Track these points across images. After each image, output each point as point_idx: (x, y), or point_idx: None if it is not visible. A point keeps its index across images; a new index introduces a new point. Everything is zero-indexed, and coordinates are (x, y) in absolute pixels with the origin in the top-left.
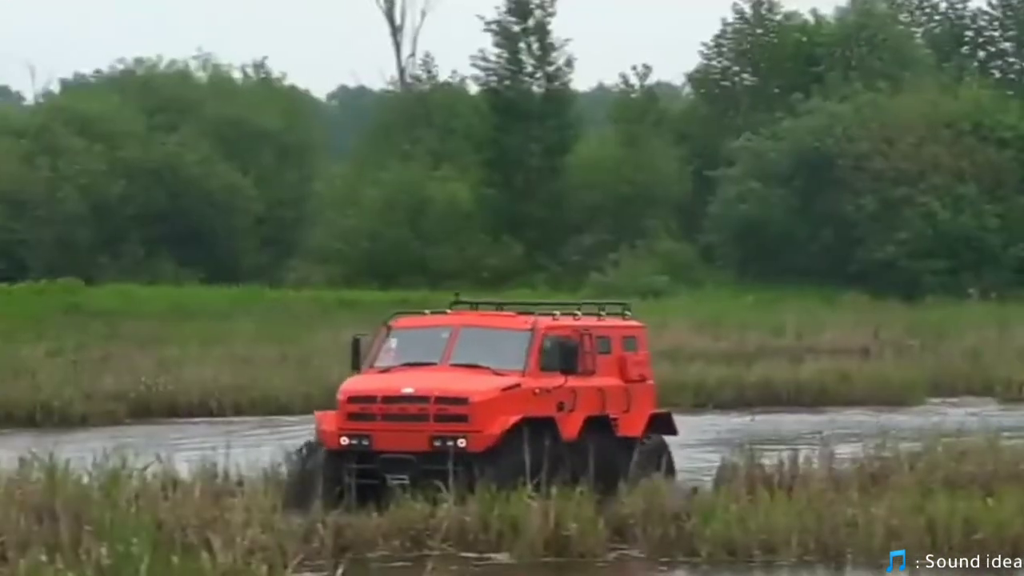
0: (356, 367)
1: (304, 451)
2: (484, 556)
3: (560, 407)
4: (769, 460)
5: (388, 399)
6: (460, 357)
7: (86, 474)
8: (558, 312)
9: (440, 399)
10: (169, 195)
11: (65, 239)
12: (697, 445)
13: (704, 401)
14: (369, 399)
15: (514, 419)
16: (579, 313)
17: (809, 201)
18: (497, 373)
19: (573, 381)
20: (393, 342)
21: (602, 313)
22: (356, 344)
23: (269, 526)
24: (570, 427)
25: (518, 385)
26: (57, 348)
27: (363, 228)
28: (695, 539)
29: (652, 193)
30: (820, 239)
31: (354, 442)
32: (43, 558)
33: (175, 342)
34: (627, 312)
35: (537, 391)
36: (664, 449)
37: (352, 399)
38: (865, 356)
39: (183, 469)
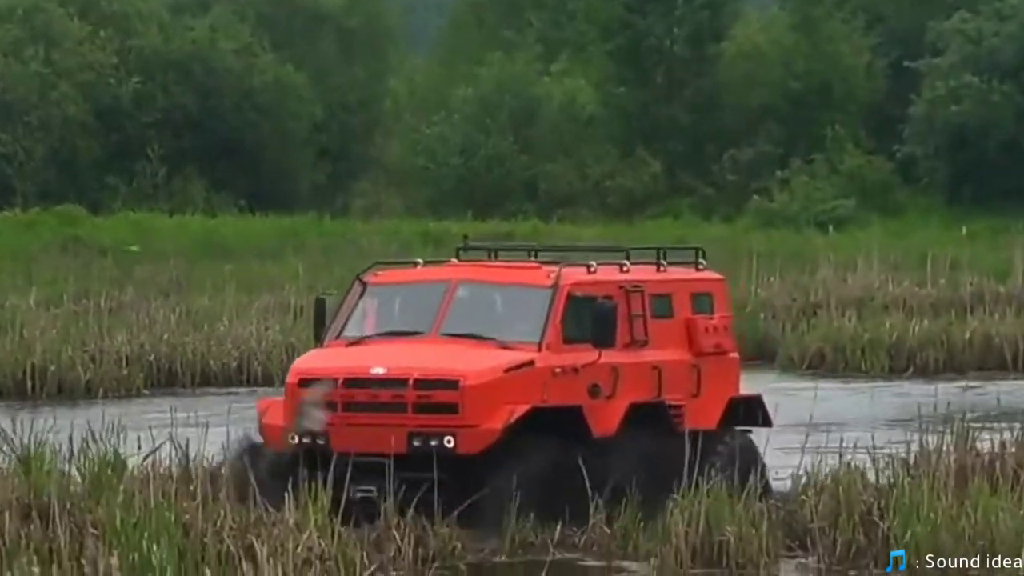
0: (319, 338)
1: (242, 448)
2: (616, 566)
3: (592, 392)
4: (987, 442)
5: (352, 382)
6: (455, 325)
7: (71, 461)
8: (594, 263)
9: (421, 382)
10: (198, 96)
11: (62, 154)
12: (890, 423)
13: (902, 364)
14: (327, 382)
15: (522, 410)
16: (627, 263)
17: None
18: (504, 346)
19: (612, 356)
20: (368, 304)
21: (663, 263)
22: (320, 307)
23: (328, 530)
24: (606, 419)
25: (531, 363)
26: (53, 295)
27: (453, 140)
28: (892, 544)
29: (834, 92)
30: None
31: (306, 441)
32: (35, 570)
33: (206, 288)
34: (701, 260)
35: (558, 371)
36: (751, 453)
37: (305, 382)
38: None
39: (213, 452)
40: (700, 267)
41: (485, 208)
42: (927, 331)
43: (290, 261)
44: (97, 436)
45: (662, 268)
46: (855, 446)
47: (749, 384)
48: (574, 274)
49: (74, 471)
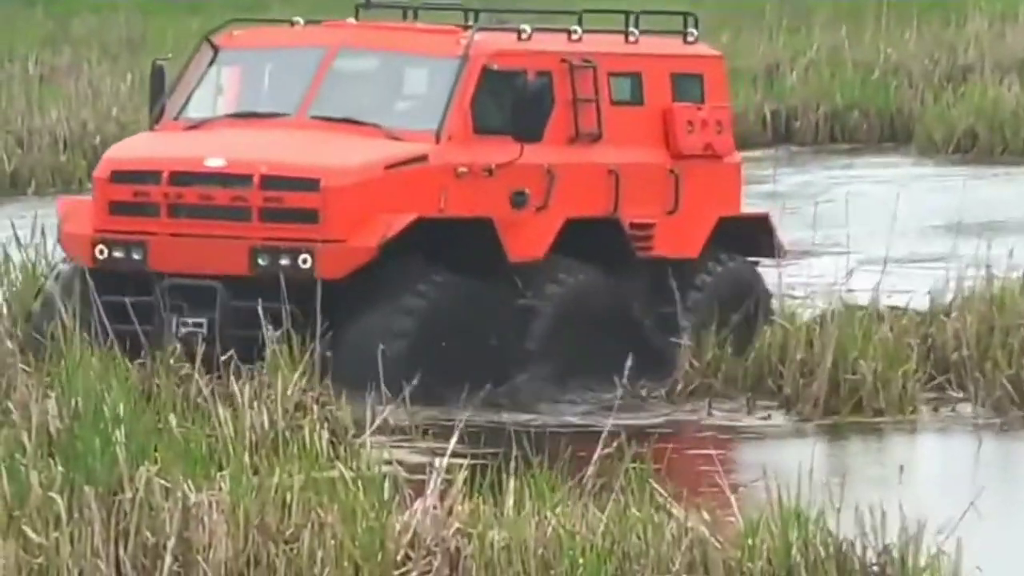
0: (154, 117)
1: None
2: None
3: (514, 202)
4: None
5: (180, 177)
6: (328, 105)
7: None
8: (528, 26)
9: (270, 180)
10: None
11: None
12: None
13: None
14: (148, 177)
15: (405, 221)
16: (579, 30)
17: None
18: (390, 135)
19: (545, 154)
20: (218, 75)
21: (633, 31)
22: (158, 77)
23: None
24: (530, 239)
25: (423, 158)
26: None
27: None
28: None
29: None
30: None
31: (117, 255)
32: None
33: (167, 48)
34: (691, 30)
35: (462, 170)
36: (746, 287)
37: (118, 176)
38: None
39: None
40: (689, 39)
41: None
42: None
43: (276, 9)
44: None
45: (631, 39)
46: (1011, 254)
47: (875, 172)
48: (494, 41)
49: None
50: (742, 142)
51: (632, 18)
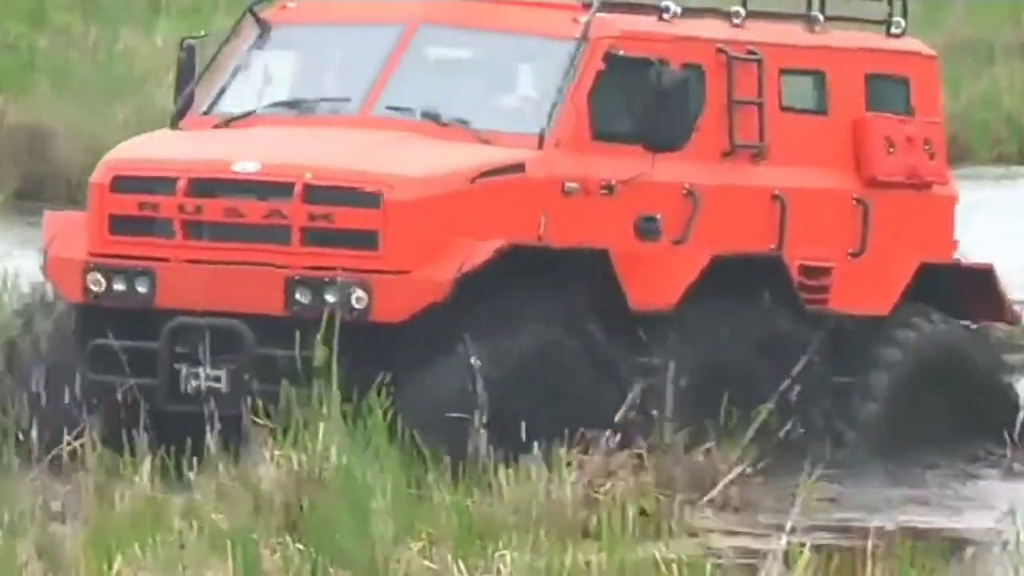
0: (179, 110)
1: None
2: None
3: (643, 230)
4: None
5: (201, 186)
6: (403, 98)
7: None
8: (674, 5)
9: (317, 191)
10: None
11: None
12: None
13: None
14: (159, 184)
15: (490, 249)
16: (742, 12)
17: None
18: (480, 139)
19: (686, 169)
20: (266, 56)
21: (818, 16)
22: (188, 58)
23: None
24: (662, 280)
25: (519, 167)
26: None
27: None
28: None
29: None
30: None
31: (118, 288)
32: None
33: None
34: (897, 19)
35: (572, 186)
36: (961, 358)
37: (121, 183)
38: None
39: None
40: (894, 31)
41: None
42: None
43: None
44: None
45: (815, 27)
46: None
47: None
48: (624, 21)
49: None
50: None
51: (817, 1)
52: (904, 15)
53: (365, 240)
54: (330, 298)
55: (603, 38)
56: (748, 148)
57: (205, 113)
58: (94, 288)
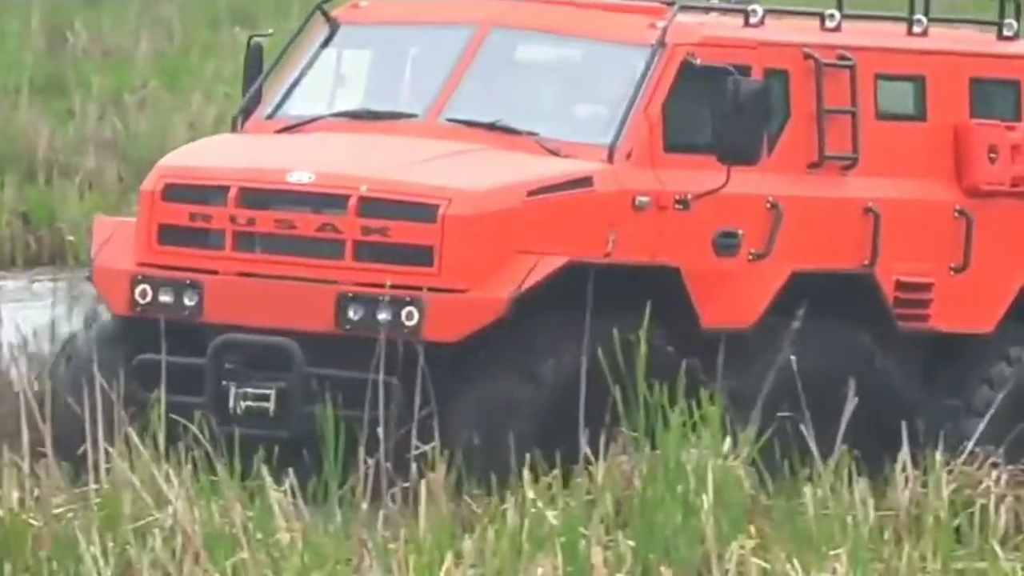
0: (244, 109)
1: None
2: None
3: (721, 246)
4: None
5: (253, 196)
6: (471, 105)
7: None
8: (759, 7)
9: (372, 204)
10: None
11: None
12: None
13: None
14: (211, 194)
15: (553, 266)
16: (836, 14)
17: None
18: (548, 149)
19: (768, 181)
20: (336, 57)
21: (920, 18)
22: (255, 57)
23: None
24: (740, 298)
25: (586, 180)
26: None
27: None
28: None
29: None
30: None
31: (165, 300)
32: None
33: None
34: (1009, 21)
35: (643, 200)
36: None
37: (172, 191)
38: None
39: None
40: (1007, 33)
41: None
42: None
43: None
44: None
45: (915, 30)
46: None
47: None
48: (703, 25)
49: None
50: None
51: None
52: (1018, 17)
53: (420, 256)
54: (383, 316)
55: (680, 45)
56: (838, 159)
57: (270, 116)
58: (141, 300)
